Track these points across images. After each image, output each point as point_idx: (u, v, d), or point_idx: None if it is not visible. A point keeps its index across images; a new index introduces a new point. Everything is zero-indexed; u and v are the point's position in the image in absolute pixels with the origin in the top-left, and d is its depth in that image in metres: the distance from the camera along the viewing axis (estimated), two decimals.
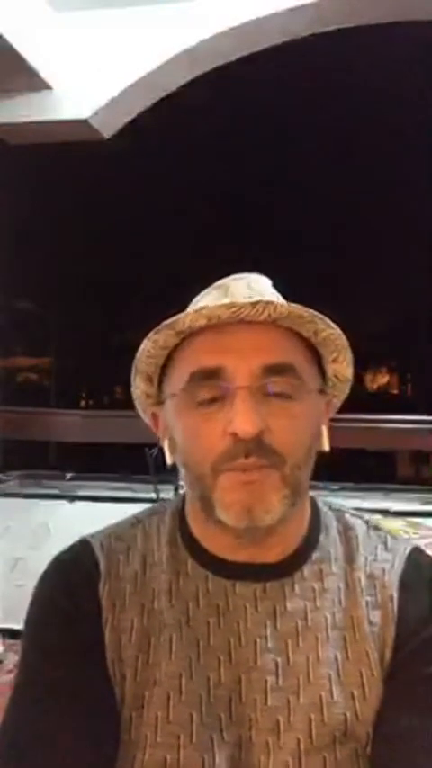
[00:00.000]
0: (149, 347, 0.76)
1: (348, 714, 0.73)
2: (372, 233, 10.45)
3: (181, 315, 0.74)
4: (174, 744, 0.72)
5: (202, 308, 0.73)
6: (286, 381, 0.74)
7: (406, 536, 2.12)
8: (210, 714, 0.74)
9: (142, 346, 0.76)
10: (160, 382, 0.80)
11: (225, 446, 0.72)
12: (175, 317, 0.74)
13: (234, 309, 0.72)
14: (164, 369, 0.79)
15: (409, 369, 16.63)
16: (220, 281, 0.82)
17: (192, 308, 0.79)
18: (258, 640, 0.76)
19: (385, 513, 2.46)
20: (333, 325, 0.76)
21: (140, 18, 2.68)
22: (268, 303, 0.72)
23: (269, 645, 0.76)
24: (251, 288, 0.79)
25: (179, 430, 0.76)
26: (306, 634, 0.76)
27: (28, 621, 0.80)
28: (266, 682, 0.75)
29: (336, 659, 0.75)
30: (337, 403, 0.85)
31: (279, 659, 0.75)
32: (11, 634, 2.61)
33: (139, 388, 0.81)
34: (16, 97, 2.71)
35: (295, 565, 0.79)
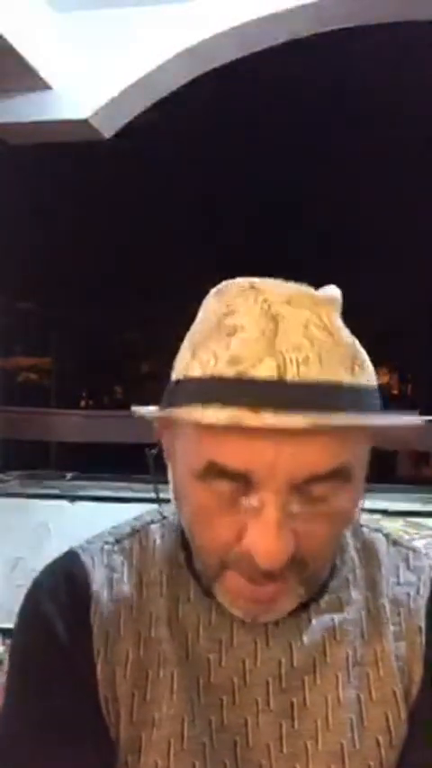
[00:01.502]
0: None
1: (373, 764, 0.65)
2: (373, 233, 10.46)
3: (197, 406, 0.57)
4: None
5: (222, 408, 0.55)
6: (333, 486, 0.59)
7: (406, 536, 2.12)
8: (214, 762, 0.65)
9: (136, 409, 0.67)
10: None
11: (240, 553, 0.59)
12: (190, 407, 0.58)
13: (273, 424, 0.54)
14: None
15: (409, 369, 16.63)
16: (270, 302, 0.59)
17: (219, 313, 0.60)
18: (270, 680, 0.67)
19: (385, 513, 2.45)
20: (403, 418, 0.63)
21: (140, 18, 2.68)
22: (313, 426, 0.54)
23: (283, 684, 0.67)
24: (311, 342, 0.57)
25: (185, 498, 0.64)
26: (324, 671, 0.67)
27: (13, 648, 0.73)
28: (281, 726, 0.66)
29: (358, 700, 0.67)
30: None
31: (294, 699, 0.67)
32: (10, 634, 2.61)
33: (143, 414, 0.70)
34: (16, 97, 2.72)
35: (311, 598, 0.69)
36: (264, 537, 0.57)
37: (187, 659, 0.68)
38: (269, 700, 0.67)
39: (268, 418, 0.54)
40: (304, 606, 0.69)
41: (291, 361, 0.56)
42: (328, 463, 0.57)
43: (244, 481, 0.57)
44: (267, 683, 0.67)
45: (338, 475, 0.58)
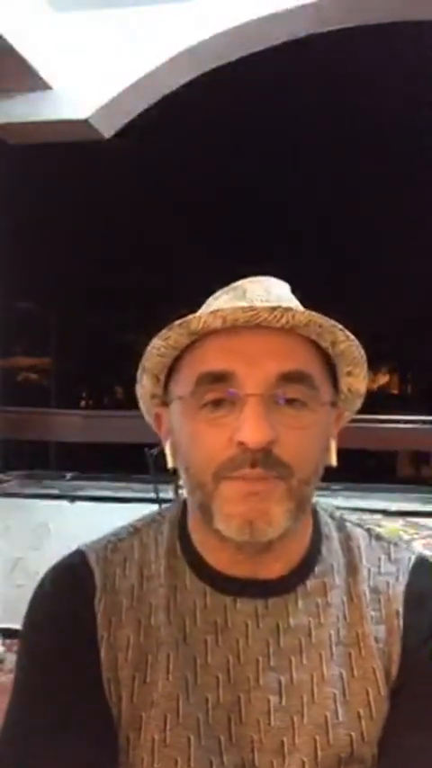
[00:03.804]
0: (160, 345, 0.73)
1: (354, 735, 0.71)
2: (373, 233, 10.46)
3: (195, 315, 0.71)
4: None
5: (217, 310, 0.69)
6: (300, 390, 0.70)
7: (406, 536, 2.12)
8: (208, 736, 0.71)
9: (152, 343, 0.73)
10: (167, 382, 0.77)
11: (230, 454, 0.68)
12: (189, 317, 0.70)
13: (251, 313, 0.69)
14: (171, 369, 0.76)
15: (409, 369, 16.65)
16: (237, 283, 0.78)
17: (206, 309, 0.76)
18: (260, 659, 0.73)
19: (385, 513, 2.46)
20: (352, 336, 0.73)
21: (140, 18, 2.68)
22: (287, 309, 0.69)
23: (271, 663, 0.73)
24: (269, 292, 0.76)
25: (184, 434, 0.73)
26: (310, 651, 0.73)
27: (23, 638, 0.78)
28: (269, 701, 0.71)
29: (341, 677, 0.73)
30: (348, 416, 0.82)
31: (282, 678, 0.72)
32: (11, 634, 2.61)
33: (145, 387, 0.78)
34: (16, 97, 2.71)
35: (298, 580, 0.76)
36: (247, 420, 0.67)
37: (185, 642, 0.74)
38: (259, 677, 0.73)
39: (257, 312, 0.69)
40: (292, 589, 0.75)
41: (259, 302, 0.72)
42: (294, 363, 0.70)
43: (229, 384, 0.69)
44: (258, 661, 0.73)
45: (304, 379, 0.71)
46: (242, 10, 2.61)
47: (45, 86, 2.68)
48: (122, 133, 2.92)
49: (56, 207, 9.25)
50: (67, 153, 3.51)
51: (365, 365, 0.76)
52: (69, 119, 2.72)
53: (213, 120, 7.47)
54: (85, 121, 2.71)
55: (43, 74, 2.63)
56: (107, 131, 2.85)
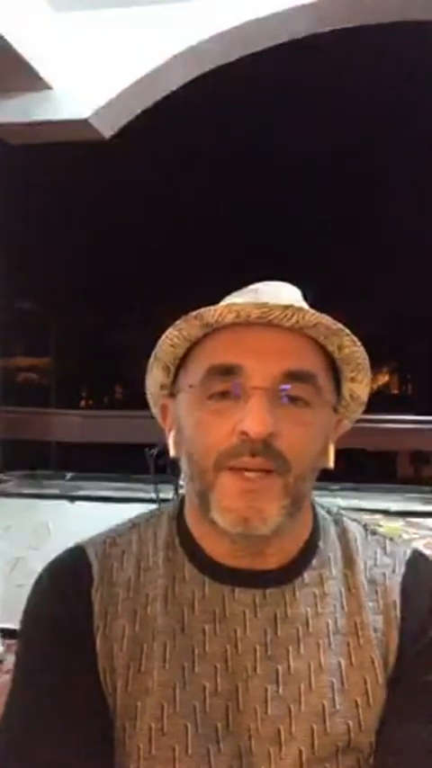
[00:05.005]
0: (174, 335, 0.75)
1: (351, 723, 0.71)
2: (372, 233, 10.46)
3: (210, 307, 0.73)
4: (169, 756, 0.70)
5: (231, 304, 0.72)
6: (304, 389, 0.73)
7: (406, 536, 2.12)
8: (205, 725, 0.72)
9: (166, 334, 0.75)
10: (176, 374, 0.80)
11: (232, 443, 0.71)
12: (203, 309, 0.73)
13: (264, 310, 0.72)
14: (181, 361, 0.79)
15: (409, 369, 16.67)
16: (252, 286, 0.81)
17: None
18: (258, 648, 0.74)
19: (385, 513, 2.45)
20: (358, 342, 0.75)
21: (140, 18, 2.68)
22: (299, 309, 0.72)
23: (269, 652, 0.74)
24: (281, 295, 0.78)
25: (189, 422, 0.75)
26: (307, 640, 0.74)
27: (21, 629, 0.79)
28: (266, 690, 0.73)
29: (339, 666, 0.74)
30: (348, 424, 0.84)
31: (279, 666, 0.73)
32: (11, 634, 2.61)
33: (155, 377, 0.80)
34: (16, 97, 2.71)
35: (296, 571, 0.78)
36: (251, 412, 0.70)
37: (183, 632, 0.75)
38: (256, 666, 0.73)
39: (270, 309, 0.71)
40: (290, 579, 0.76)
41: (272, 301, 0.73)
42: (300, 362, 0.73)
43: (236, 377, 0.72)
44: (255, 650, 0.74)
45: (308, 379, 0.73)
46: (242, 10, 2.60)
47: (45, 86, 2.67)
48: (122, 133, 2.92)
49: (56, 207, 9.25)
50: (67, 153, 3.51)
51: (369, 372, 0.78)
52: (69, 119, 2.72)
53: (213, 119, 7.47)
54: (85, 121, 2.71)
55: (43, 74, 2.63)
56: (107, 131, 2.84)
